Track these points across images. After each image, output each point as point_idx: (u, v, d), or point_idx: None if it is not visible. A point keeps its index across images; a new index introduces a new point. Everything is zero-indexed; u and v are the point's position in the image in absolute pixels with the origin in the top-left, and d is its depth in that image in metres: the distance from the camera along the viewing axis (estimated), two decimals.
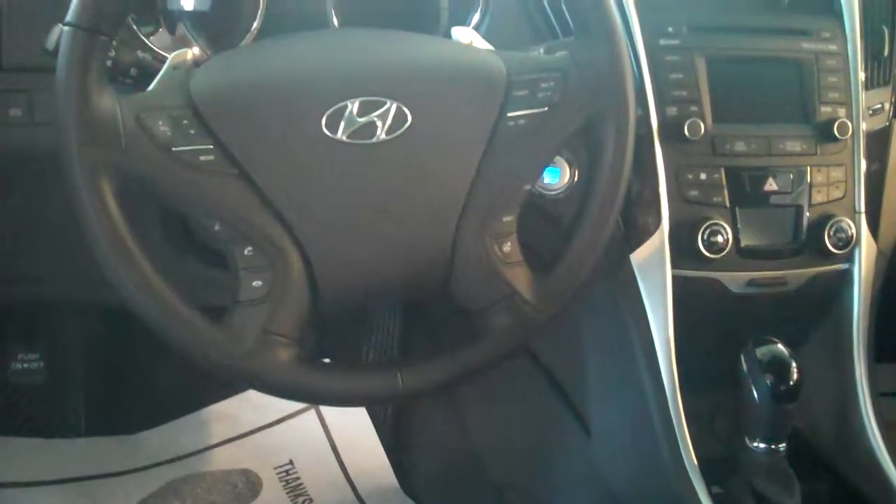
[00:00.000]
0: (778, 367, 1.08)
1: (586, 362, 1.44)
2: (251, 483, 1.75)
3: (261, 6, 1.11)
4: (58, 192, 0.84)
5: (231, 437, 1.83)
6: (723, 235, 1.18)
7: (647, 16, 1.21)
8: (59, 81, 0.82)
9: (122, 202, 0.84)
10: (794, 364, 1.08)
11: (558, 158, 1.16)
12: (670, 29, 1.22)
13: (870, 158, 1.28)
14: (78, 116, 0.82)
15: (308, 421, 1.87)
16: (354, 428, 1.85)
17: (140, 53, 0.99)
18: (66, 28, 0.82)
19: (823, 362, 1.30)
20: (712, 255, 1.19)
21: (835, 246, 1.23)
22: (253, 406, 1.86)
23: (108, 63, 0.90)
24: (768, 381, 1.07)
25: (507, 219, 0.93)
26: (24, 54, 1.04)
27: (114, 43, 0.87)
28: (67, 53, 0.82)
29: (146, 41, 1.09)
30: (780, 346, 1.10)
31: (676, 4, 1.25)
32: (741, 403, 1.11)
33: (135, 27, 1.09)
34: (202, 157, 0.84)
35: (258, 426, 1.85)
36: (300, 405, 1.87)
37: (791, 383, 1.07)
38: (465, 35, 1.01)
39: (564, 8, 1.16)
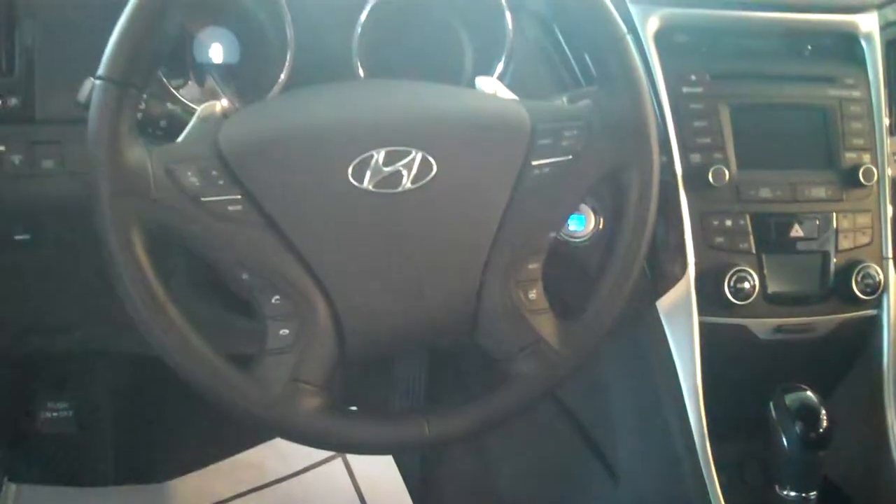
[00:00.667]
0: (807, 414, 1.07)
1: (613, 409, 1.43)
2: None
3: (288, 58, 1.13)
4: (88, 242, 0.84)
5: (258, 486, 1.82)
6: (749, 282, 1.18)
7: (670, 64, 1.22)
8: (91, 133, 0.83)
9: (151, 251, 0.84)
10: (823, 411, 1.07)
11: (583, 206, 1.17)
12: (693, 77, 1.23)
13: None
14: (109, 167, 0.83)
15: (335, 469, 1.87)
16: (381, 476, 1.85)
17: (170, 105, 1.00)
18: (97, 81, 0.84)
19: (853, 409, 1.29)
20: (739, 302, 1.19)
21: (863, 292, 1.23)
22: (280, 455, 1.86)
23: (139, 115, 0.91)
24: (798, 429, 1.06)
25: (532, 266, 0.93)
26: (57, 107, 1.06)
27: (144, 95, 0.89)
28: (99, 106, 0.83)
29: (176, 93, 1.11)
30: (809, 393, 1.09)
31: (699, 52, 1.26)
32: (771, 451, 1.10)
33: (165, 80, 1.11)
34: (230, 207, 0.85)
35: (285, 475, 1.85)
36: (327, 454, 1.87)
37: (821, 431, 1.06)
38: (489, 85, 1.01)
39: (587, 57, 1.17)
